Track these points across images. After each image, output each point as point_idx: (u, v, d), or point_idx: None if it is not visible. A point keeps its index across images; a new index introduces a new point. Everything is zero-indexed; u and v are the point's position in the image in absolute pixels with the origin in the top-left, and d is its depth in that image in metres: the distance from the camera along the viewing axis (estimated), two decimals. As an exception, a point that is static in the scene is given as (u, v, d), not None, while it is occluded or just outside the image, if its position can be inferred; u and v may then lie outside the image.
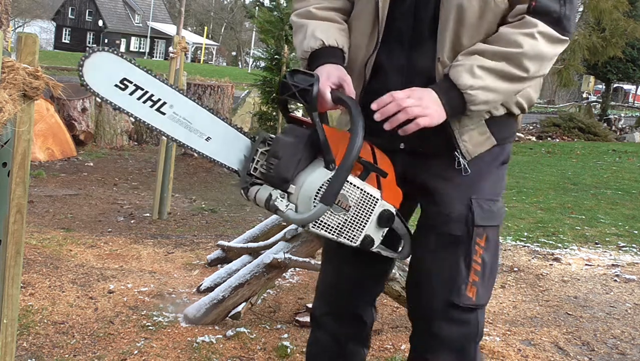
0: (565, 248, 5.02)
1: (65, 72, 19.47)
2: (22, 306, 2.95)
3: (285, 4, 10.09)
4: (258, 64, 27.74)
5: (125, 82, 1.67)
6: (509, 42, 1.57)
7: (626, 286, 4.10)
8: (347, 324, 1.88)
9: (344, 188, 1.59)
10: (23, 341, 2.66)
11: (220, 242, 3.96)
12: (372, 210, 1.63)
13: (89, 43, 55.07)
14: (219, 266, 3.81)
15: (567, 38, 1.59)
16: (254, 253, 3.37)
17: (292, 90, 1.62)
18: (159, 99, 1.71)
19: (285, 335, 2.88)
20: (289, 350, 2.72)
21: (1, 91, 1.39)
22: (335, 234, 1.63)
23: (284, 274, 3.50)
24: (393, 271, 2.85)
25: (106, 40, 55.00)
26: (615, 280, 4.20)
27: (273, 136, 1.73)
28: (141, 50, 56.21)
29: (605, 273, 4.37)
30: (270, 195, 1.63)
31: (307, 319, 3.01)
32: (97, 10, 55.81)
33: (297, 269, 3.64)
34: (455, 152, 1.65)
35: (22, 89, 1.46)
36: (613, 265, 4.58)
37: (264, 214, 5.14)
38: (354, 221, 1.63)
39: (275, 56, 9.84)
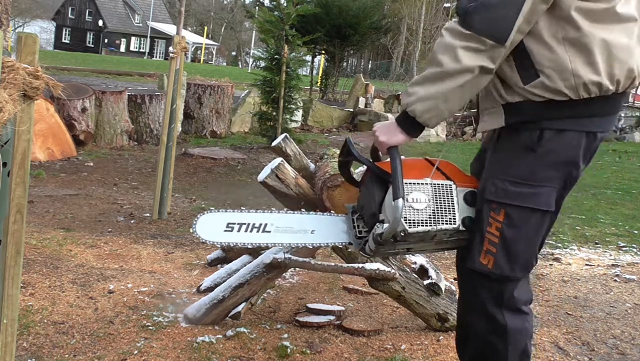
0: (565, 248, 5.01)
1: (65, 72, 19.47)
2: (22, 306, 2.94)
3: (285, 4, 10.08)
4: (258, 64, 27.74)
5: (230, 225, 2.15)
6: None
7: (626, 286, 4.09)
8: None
9: (415, 188, 1.93)
10: (23, 341, 2.66)
11: (220, 242, 3.95)
12: (452, 195, 1.95)
13: (89, 43, 55.06)
14: (219, 266, 3.81)
15: (470, 32, 1.73)
16: (254, 253, 3.36)
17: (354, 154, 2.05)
18: (260, 224, 2.16)
19: (285, 335, 2.87)
20: (289, 350, 2.72)
21: (1, 91, 1.39)
22: (432, 224, 1.92)
23: (284, 274, 3.50)
24: (393, 271, 2.85)
25: (106, 40, 55.00)
26: (615, 280, 4.20)
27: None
28: (141, 50, 56.18)
29: (605, 273, 4.36)
30: (373, 233, 1.97)
31: (307, 319, 3.02)
32: (97, 10, 55.78)
33: (297, 269, 3.64)
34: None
35: (22, 89, 1.46)
36: (613, 265, 4.57)
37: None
38: (441, 208, 1.93)
39: (275, 56, 9.83)
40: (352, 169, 2.24)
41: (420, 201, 1.92)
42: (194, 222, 2.17)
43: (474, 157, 2.14)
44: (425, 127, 1.88)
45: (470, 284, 1.97)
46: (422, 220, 1.92)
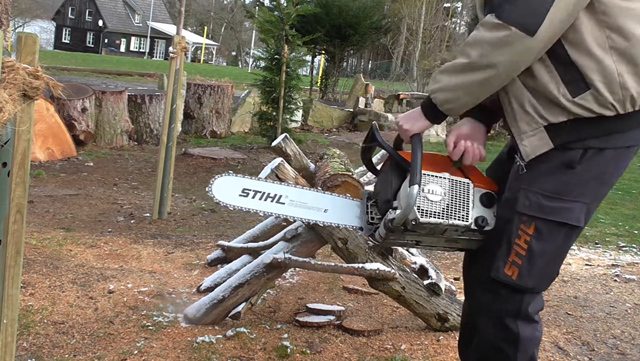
0: (565, 248, 5.01)
1: (65, 72, 19.47)
2: (22, 306, 2.94)
3: (285, 4, 10.08)
4: (258, 64, 27.75)
5: (245, 191, 2.19)
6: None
7: (626, 286, 4.09)
8: None
9: (432, 180, 1.92)
10: (23, 341, 2.66)
11: (220, 242, 3.96)
12: (469, 193, 1.95)
13: (89, 43, 55.07)
14: (219, 266, 3.81)
15: (502, 22, 1.70)
16: (254, 253, 3.36)
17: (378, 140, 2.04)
18: (275, 195, 2.19)
19: (285, 335, 2.88)
20: (289, 350, 2.72)
21: (1, 91, 1.39)
22: (445, 217, 1.92)
23: (284, 274, 3.50)
24: (393, 271, 2.85)
25: (106, 40, 55.00)
26: (615, 280, 4.20)
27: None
28: (141, 50, 56.18)
29: (605, 273, 4.37)
30: (385, 219, 1.97)
31: (307, 319, 3.02)
32: (97, 10, 55.78)
33: (297, 269, 3.64)
34: (516, 155, 1.91)
35: (22, 89, 1.46)
36: (613, 265, 4.58)
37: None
38: (455, 204, 1.93)
39: (275, 56, 9.83)
40: (354, 172, 2.25)
41: (436, 193, 1.92)
42: (211, 182, 2.19)
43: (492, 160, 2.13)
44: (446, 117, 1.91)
45: (489, 293, 1.93)
46: (435, 212, 1.91)
